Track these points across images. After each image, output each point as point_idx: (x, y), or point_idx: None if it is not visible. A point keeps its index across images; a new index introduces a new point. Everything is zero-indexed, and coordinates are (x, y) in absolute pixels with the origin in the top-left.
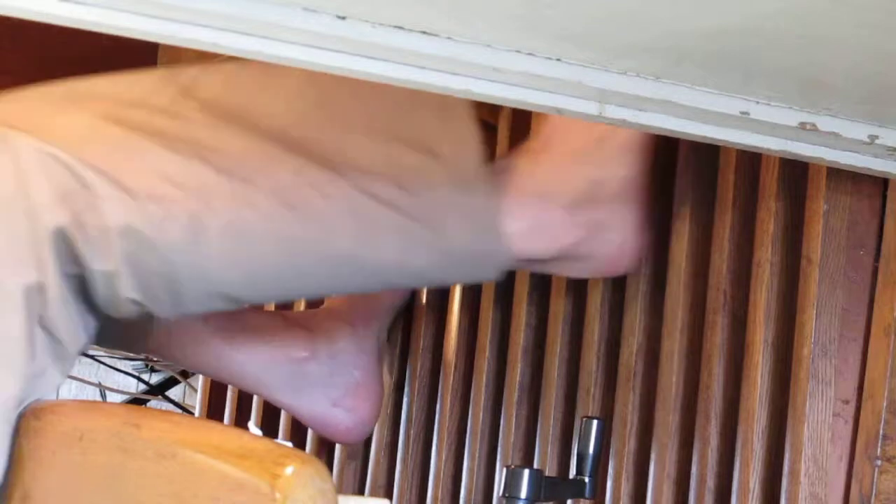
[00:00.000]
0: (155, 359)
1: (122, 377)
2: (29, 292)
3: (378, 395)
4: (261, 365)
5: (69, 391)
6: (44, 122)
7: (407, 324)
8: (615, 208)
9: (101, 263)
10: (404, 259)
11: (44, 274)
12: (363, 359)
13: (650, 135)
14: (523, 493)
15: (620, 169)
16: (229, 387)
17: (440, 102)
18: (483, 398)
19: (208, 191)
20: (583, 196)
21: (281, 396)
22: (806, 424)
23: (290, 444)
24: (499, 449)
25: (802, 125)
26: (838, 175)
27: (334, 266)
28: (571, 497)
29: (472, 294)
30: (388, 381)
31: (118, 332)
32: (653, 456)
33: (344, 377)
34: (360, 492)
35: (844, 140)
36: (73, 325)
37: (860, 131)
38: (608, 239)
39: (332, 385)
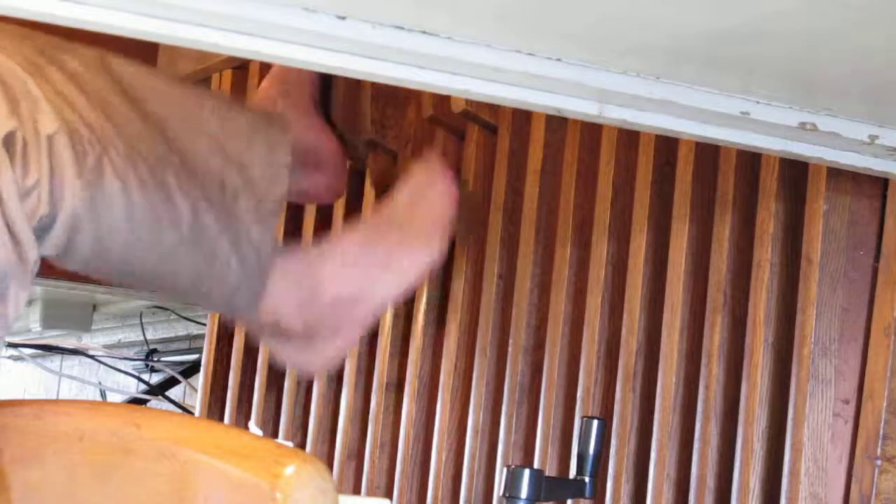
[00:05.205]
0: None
1: (122, 377)
2: None
3: (337, 147)
4: None
5: (69, 391)
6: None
7: (407, 323)
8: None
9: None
10: (173, 256)
11: None
12: (308, 121)
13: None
14: (523, 493)
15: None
16: (229, 387)
17: (268, 140)
18: (483, 398)
19: (103, 133)
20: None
21: None
22: (806, 424)
23: (290, 444)
24: (499, 449)
25: (802, 125)
26: (838, 175)
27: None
28: (571, 497)
29: (473, 294)
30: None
31: None
32: (653, 456)
33: (303, 144)
34: (360, 491)
35: (844, 140)
36: None
37: (860, 131)
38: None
39: (296, 155)
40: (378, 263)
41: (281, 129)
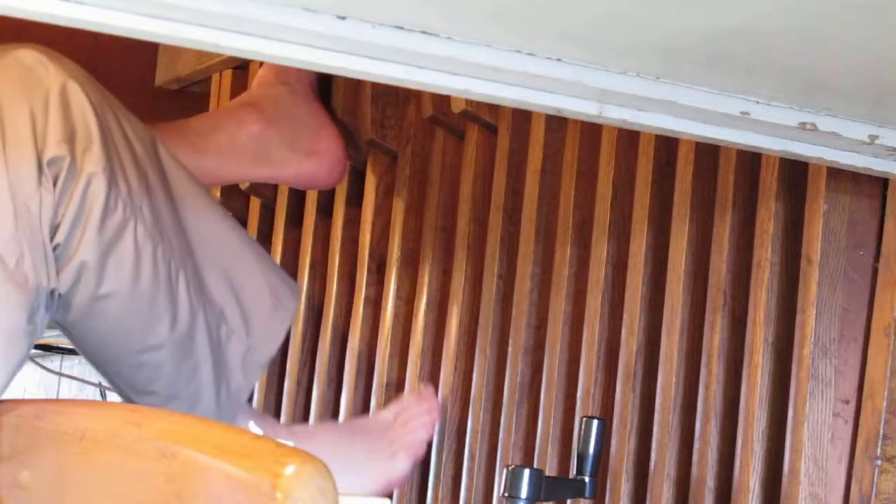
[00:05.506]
0: None
1: None
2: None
3: (336, 133)
4: (228, 150)
5: (69, 391)
6: None
7: (407, 323)
8: None
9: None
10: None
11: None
12: (308, 107)
13: None
14: (523, 493)
15: None
16: None
17: (276, 299)
18: (483, 398)
19: (138, 201)
20: None
21: (261, 171)
22: (806, 424)
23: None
24: (499, 449)
25: (802, 125)
26: (838, 175)
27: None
28: (571, 497)
29: (473, 294)
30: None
31: None
32: (653, 456)
33: (302, 130)
34: None
35: (844, 140)
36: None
37: (860, 131)
38: None
39: (295, 141)
40: (339, 463)
41: (292, 292)
